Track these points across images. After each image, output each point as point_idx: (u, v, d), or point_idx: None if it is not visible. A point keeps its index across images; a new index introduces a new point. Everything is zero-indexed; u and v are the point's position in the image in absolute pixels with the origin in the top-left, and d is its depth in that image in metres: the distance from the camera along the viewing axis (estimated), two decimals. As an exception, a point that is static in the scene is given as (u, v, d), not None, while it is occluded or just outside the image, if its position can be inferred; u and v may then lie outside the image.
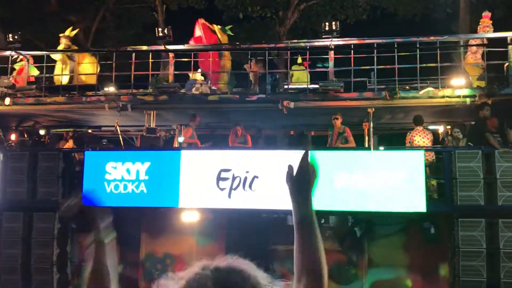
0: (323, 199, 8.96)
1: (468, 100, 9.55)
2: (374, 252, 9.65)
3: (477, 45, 9.63)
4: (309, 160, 1.66)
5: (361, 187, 8.93)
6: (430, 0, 18.32)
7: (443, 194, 9.35)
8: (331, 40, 9.68)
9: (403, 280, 9.55)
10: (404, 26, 18.04)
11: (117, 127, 10.58)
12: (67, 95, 10.86)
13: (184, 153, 9.62)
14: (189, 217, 9.75)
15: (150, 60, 10.67)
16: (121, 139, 10.80)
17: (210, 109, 10.48)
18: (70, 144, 11.23)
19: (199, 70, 10.81)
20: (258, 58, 11.12)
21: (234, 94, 10.30)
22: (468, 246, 8.65)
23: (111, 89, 11.64)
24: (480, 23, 10.34)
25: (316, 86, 9.84)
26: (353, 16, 19.12)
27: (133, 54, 10.72)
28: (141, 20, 20.82)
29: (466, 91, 9.52)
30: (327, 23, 9.59)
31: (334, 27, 9.50)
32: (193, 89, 10.28)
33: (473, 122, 9.67)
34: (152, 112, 11.03)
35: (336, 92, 9.64)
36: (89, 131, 13.34)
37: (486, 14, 10.33)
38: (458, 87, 9.89)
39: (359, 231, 9.33)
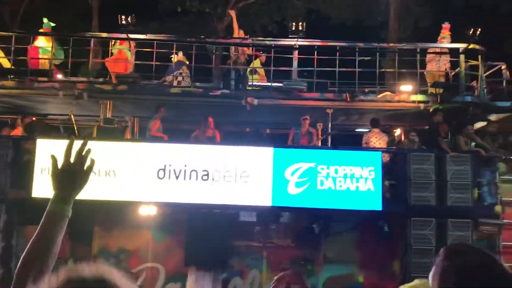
0: (284, 195, 9.15)
1: (422, 105, 10.08)
2: (329, 249, 9.93)
3: (435, 53, 10.21)
4: (79, 152, 1.55)
5: (321, 185, 9.18)
6: (361, 7, 19.13)
7: (395, 194, 9.80)
8: (297, 40, 9.85)
9: (356, 276, 9.90)
10: (337, 31, 18.76)
11: (72, 116, 10.13)
12: (16, 79, 10.26)
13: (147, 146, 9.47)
14: (147, 211, 9.53)
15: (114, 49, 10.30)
16: (75, 128, 10.35)
17: (172, 102, 10.31)
18: (18, 131, 10.59)
19: (180, 54, 10.53)
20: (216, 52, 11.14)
21: (198, 88, 10.20)
22: (419, 244, 9.12)
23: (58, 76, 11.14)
24: (440, 34, 10.92)
25: (280, 84, 9.97)
26: (290, 17, 19.35)
27: (92, 41, 10.31)
28: (74, 6, 19.87)
29: (421, 97, 10.04)
30: (293, 23, 9.76)
31: (300, 28, 9.68)
32: (175, 81, 10.04)
33: (427, 127, 10.20)
34: (108, 102, 10.67)
35: (299, 91, 9.83)
36: (33, 118, 12.66)
37: (446, 25, 10.93)
38: (407, 93, 10.43)
39: (317, 228, 9.56)
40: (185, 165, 9.25)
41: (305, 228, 9.72)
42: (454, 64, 10.38)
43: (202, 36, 12.20)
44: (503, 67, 11.20)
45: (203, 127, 10.14)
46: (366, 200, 9.17)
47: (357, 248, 9.89)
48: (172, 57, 10.50)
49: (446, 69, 10.61)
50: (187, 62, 10.50)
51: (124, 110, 11.51)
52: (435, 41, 11.10)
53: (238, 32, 10.86)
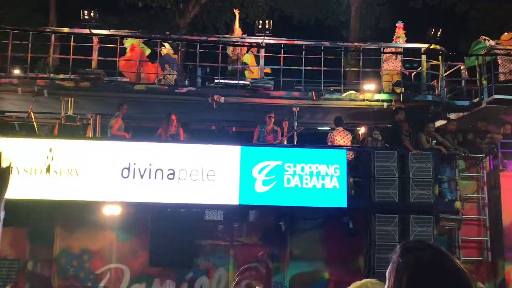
0: (251, 193, 9.15)
1: (385, 104, 10.29)
2: (296, 246, 10.01)
3: (390, 52, 10.44)
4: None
5: (288, 183, 9.23)
6: (323, 7, 19.41)
7: (359, 191, 9.97)
8: (264, 38, 9.86)
9: (321, 272, 10.02)
10: (299, 29, 18.96)
11: (32, 114, 9.78)
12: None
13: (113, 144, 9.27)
14: (111, 211, 9.33)
15: (75, 44, 9.98)
16: (35, 126, 10.00)
17: (136, 99, 10.12)
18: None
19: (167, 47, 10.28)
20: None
21: (163, 85, 10.05)
22: (383, 239, 9.31)
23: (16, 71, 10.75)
24: (395, 33, 11.18)
25: (247, 82, 9.94)
26: (253, 15, 19.39)
27: (53, 36, 9.98)
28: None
29: (384, 96, 10.25)
30: (260, 21, 9.75)
31: (267, 26, 9.69)
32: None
33: (390, 125, 10.41)
34: (70, 99, 10.36)
35: (266, 89, 9.84)
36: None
37: (399, 24, 11.19)
38: (369, 92, 10.63)
39: (283, 225, 9.62)
40: (150, 164, 9.11)
41: (272, 226, 9.76)
42: (411, 64, 10.64)
43: (167, 32, 11.98)
44: (462, 67, 11.57)
45: (165, 124, 9.99)
46: (331, 198, 9.29)
47: (322, 245, 10.00)
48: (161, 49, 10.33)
49: (401, 68, 10.87)
50: (175, 56, 10.38)
51: (85, 108, 11.21)
52: (390, 40, 11.36)
53: (237, 32, 10.76)
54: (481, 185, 10.35)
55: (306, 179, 9.26)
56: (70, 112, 10.38)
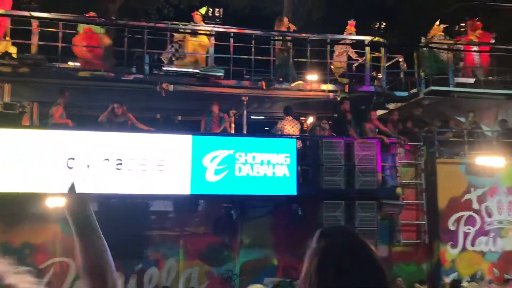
0: (203, 183, 9.12)
1: (331, 94, 10.59)
2: (246, 234, 10.12)
3: (344, 44, 10.74)
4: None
5: (239, 172, 9.29)
6: None
7: (308, 179, 10.22)
8: (214, 27, 9.78)
9: (271, 258, 10.21)
10: (234, 18, 18.87)
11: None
12: None
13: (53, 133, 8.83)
14: (54, 203, 8.93)
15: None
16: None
17: (80, 86, 9.71)
18: None
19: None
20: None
21: (109, 72, 9.71)
22: (330, 225, 9.64)
23: None
24: (346, 30, 11.49)
25: (197, 71, 9.83)
26: (186, 1, 19.02)
27: (-13, 18, 9.30)
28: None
29: (330, 87, 10.54)
30: (210, 9, 9.65)
31: (217, 14, 9.61)
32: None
33: (336, 115, 10.74)
34: (6, 85, 9.75)
35: (217, 78, 9.80)
36: None
37: (351, 22, 11.53)
38: (316, 82, 10.91)
39: (235, 214, 9.68)
40: (98, 154, 8.81)
41: (223, 215, 9.80)
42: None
43: (113, 18, 11.54)
44: (400, 59, 12.12)
45: (111, 113, 9.68)
46: (282, 186, 9.46)
47: (272, 232, 10.18)
48: None
49: (346, 60, 11.25)
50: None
51: (23, 95, 10.60)
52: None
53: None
54: (419, 172, 10.98)
55: (257, 167, 9.36)
56: (7, 99, 9.77)
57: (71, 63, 9.96)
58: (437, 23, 11.93)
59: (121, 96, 9.95)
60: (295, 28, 11.04)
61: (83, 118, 10.86)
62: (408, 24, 17.09)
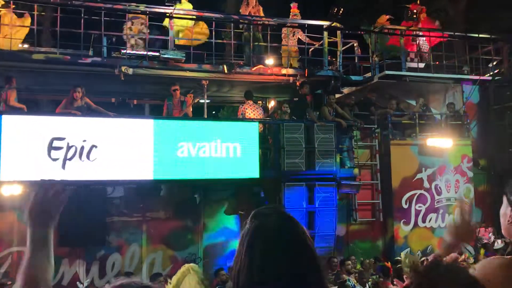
0: (166, 168, 9.06)
1: (291, 78, 10.75)
2: (209, 217, 10.19)
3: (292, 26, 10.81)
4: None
5: (201, 155, 9.30)
6: None
7: (266, 162, 10.37)
8: (174, 9, 9.64)
9: (233, 241, 10.34)
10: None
11: None
12: None
13: (6, 118, 8.44)
14: (10, 191, 8.60)
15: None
16: None
17: (34, 69, 9.31)
18: None
19: None
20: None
21: (65, 54, 9.37)
22: (291, 207, 9.89)
23: None
24: (290, 12, 11.61)
25: (157, 54, 9.67)
26: None
27: None
28: None
29: (290, 71, 10.69)
30: (170, -9, 9.48)
31: (178, -4, 9.47)
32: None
33: (296, 99, 10.92)
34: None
35: (177, 62, 9.69)
36: None
37: (294, 4, 11.65)
38: (275, 66, 11.04)
39: (198, 198, 9.71)
40: (56, 139, 8.54)
41: (186, 199, 9.80)
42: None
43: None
44: (355, 44, 12.44)
45: (70, 97, 9.37)
46: (245, 168, 9.57)
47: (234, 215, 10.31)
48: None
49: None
50: None
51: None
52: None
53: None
54: (374, 153, 11.42)
55: (220, 151, 9.40)
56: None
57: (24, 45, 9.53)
58: (383, 15, 12.41)
59: (76, 79, 9.62)
60: (260, 8, 11.02)
61: (37, 103, 10.45)
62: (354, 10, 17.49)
